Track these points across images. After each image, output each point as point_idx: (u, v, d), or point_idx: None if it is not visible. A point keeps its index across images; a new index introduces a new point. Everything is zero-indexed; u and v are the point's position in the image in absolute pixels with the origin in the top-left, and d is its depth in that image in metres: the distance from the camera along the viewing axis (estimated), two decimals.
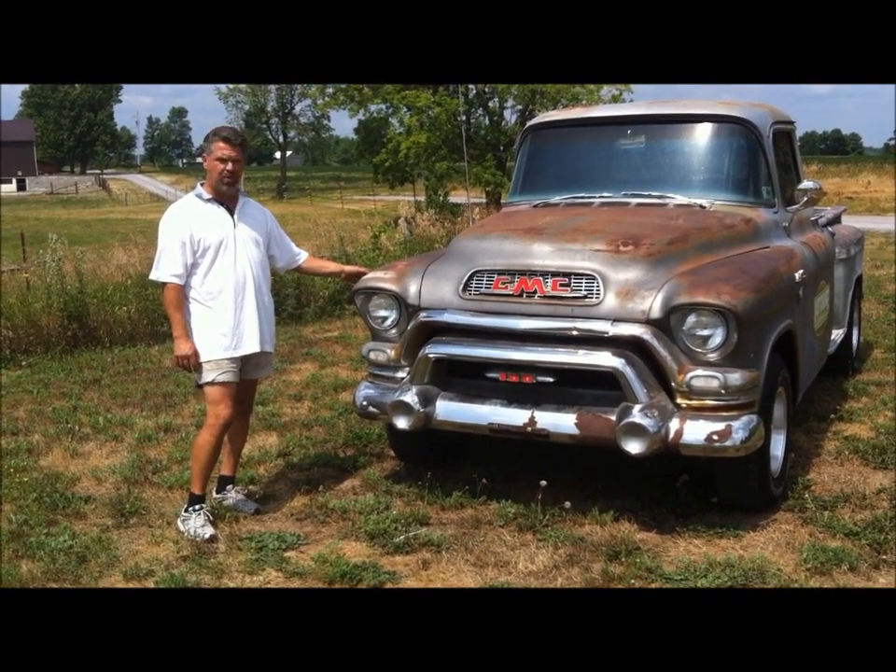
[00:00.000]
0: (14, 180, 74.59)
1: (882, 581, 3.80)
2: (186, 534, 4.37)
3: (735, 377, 4.07)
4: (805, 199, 5.27)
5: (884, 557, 3.98)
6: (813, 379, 5.63)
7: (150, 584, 3.93)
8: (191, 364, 4.39)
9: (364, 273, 4.97)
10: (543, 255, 4.34)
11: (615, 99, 25.47)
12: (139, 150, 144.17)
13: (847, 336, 6.71)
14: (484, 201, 23.86)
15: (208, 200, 4.47)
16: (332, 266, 5.40)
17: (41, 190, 72.90)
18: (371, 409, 4.80)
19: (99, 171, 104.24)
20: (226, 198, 4.49)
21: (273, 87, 68.58)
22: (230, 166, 4.40)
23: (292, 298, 10.39)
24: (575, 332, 4.19)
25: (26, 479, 5.20)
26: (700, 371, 4.08)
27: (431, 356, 4.52)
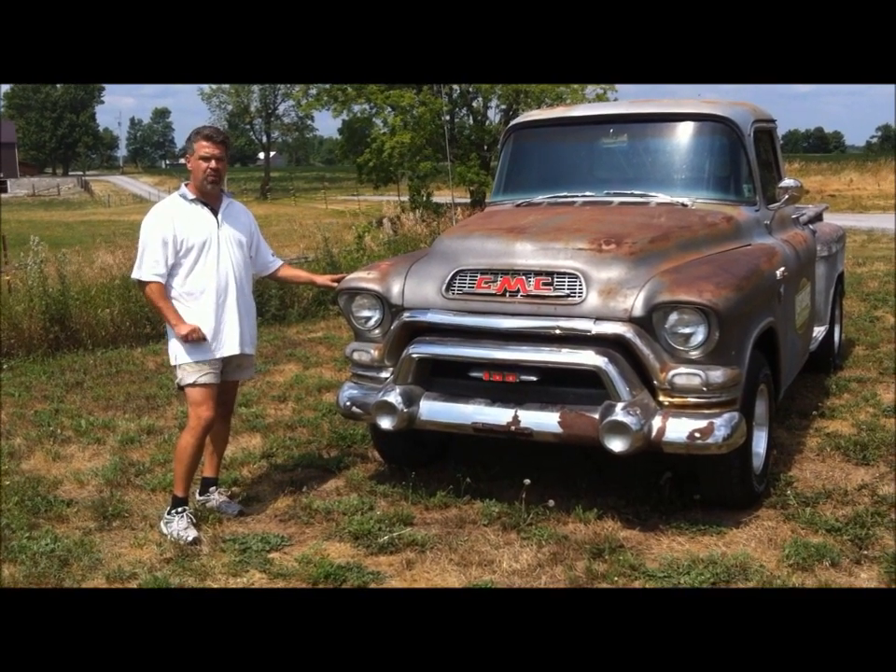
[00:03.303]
0: None
1: (864, 576, 3.83)
2: (169, 536, 4.34)
3: (717, 375, 4.09)
4: (787, 197, 5.29)
5: (865, 553, 4.01)
6: (795, 376, 5.66)
7: (133, 587, 3.91)
8: (200, 335, 4.34)
9: (335, 285, 4.92)
10: (526, 254, 4.35)
11: (599, 98, 25.52)
12: (122, 152, 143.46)
13: (829, 333, 6.76)
14: (469, 200, 23.87)
15: (192, 200, 4.45)
16: (304, 276, 5.40)
17: (23, 192, 72.25)
18: (354, 409, 4.80)
19: (81, 172, 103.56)
20: (210, 198, 4.48)
21: (256, 87, 68.39)
22: (213, 164, 4.38)
23: (276, 299, 10.37)
24: (558, 331, 4.20)
25: (8, 482, 5.16)
26: (682, 369, 4.10)
27: (415, 355, 4.51)
